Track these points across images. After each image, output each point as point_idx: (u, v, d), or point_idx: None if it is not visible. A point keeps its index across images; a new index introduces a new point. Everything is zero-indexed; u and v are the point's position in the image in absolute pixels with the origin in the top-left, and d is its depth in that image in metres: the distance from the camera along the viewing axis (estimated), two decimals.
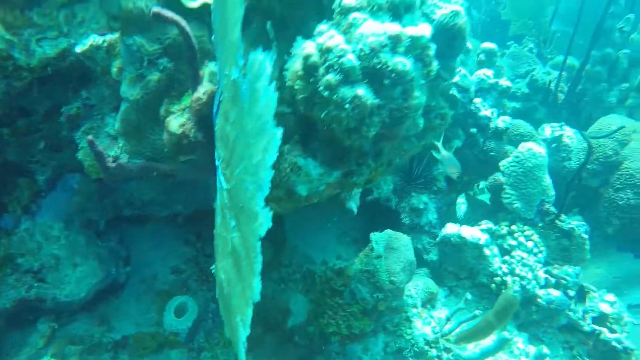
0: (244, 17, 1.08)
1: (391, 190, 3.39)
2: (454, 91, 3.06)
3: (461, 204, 3.68)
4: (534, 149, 2.99)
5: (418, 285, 2.97)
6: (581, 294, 3.18)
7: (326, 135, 1.43)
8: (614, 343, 2.90)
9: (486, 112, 3.16)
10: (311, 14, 1.53)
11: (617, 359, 2.95)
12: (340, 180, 1.64)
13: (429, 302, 3.03)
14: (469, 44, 3.28)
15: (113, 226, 2.28)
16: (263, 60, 0.99)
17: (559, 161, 4.11)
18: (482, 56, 3.48)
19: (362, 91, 1.21)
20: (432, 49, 1.34)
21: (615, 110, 4.41)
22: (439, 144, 2.85)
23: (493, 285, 3.00)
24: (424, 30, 1.28)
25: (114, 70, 1.39)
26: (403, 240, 2.61)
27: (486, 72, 3.24)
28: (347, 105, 1.21)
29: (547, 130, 4.26)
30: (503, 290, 2.70)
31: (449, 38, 1.58)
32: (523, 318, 3.07)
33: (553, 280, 3.27)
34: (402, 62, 1.22)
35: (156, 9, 1.21)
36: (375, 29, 1.21)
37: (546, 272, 3.32)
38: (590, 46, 4.15)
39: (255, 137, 1.03)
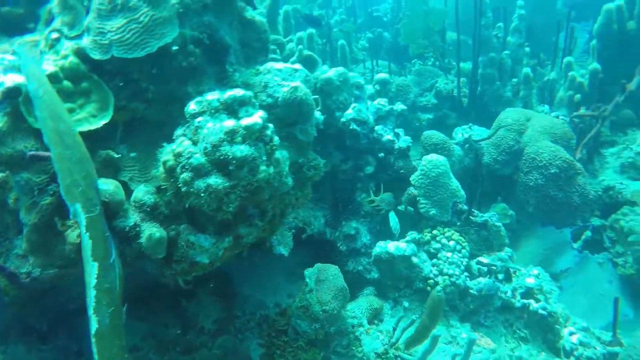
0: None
1: (323, 224, 3.68)
2: (353, 126, 3.41)
3: (394, 220, 4.02)
4: (434, 160, 3.35)
5: (361, 305, 3.23)
6: (508, 275, 3.50)
7: (204, 215, 1.71)
8: (540, 311, 3.22)
9: (388, 136, 3.51)
10: (177, 115, 1.84)
11: (546, 323, 3.26)
12: (235, 242, 1.92)
13: (375, 317, 3.29)
14: (360, 81, 3.66)
15: (60, 322, 2.44)
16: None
17: (473, 159, 4.52)
18: (377, 86, 3.87)
19: (212, 180, 1.50)
20: (269, 129, 1.65)
21: (513, 103, 4.90)
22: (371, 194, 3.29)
23: (428, 288, 3.28)
24: (256, 118, 1.59)
25: (11, 201, 1.63)
26: (331, 271, 2.89)
27: (381, 102, 3.61)
28: (202, 194, 1.50)
29: (459, 133, 4.69)
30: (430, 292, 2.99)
31: (295, 108, 1.90)
32: (462, 310, 3.36)
33: (485, 268, 3.60)
34: (240, 150, 1.52)
35: (32, 152, 1.48)
36: (213, 128, 1.51)
37: (477, 263, 3.66)
38: (474, 54, 4.63)
39: None
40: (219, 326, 3.35)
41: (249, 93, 1.65)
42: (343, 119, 3.44)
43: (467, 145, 4.54)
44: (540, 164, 4.09)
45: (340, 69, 3.51)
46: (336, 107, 3.50)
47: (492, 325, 3.39)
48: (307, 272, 2.97)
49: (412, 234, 3.40)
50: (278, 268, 3.81)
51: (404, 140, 3.52)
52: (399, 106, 3.63)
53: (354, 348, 2.99)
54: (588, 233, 4.13)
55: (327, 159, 3.66)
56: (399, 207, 3.83)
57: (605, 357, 3.14)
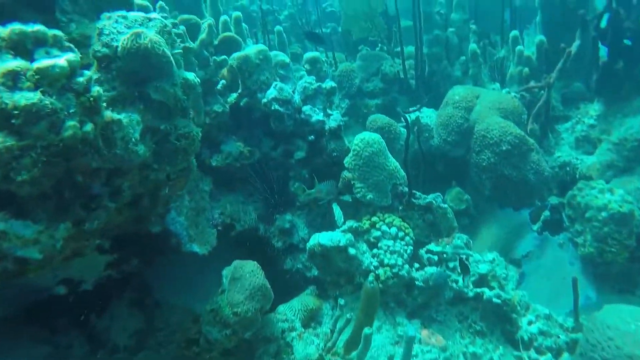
0: None
1: (255, 218, 3.26)
2: (275, 107, 3.01)
3: (338, 212, 3.61)
4: (366, 138, 2.96)
5: (294, 307, 2.80)
6: (463, 265, 3.11)
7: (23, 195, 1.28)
8: (494, 299, 2.83)
9: (317, 116, 3.12)
10: None
11: (503, 312, 2.87)
12: (76, 230, 1.48)
13: (312, 319, 2.87)
14: (284, 60, 3.27)
15: None
16: None
17: (424, 142, 4.16)
18: (306, 66, 3.49)
19: None
20: (83, 77, 1.24)
21: (463, 82, 4.56)
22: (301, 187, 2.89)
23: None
24: (59, 61, 1.17)
25: None
26: (248, 267, 2.46)
27: (307, 80, 3.22)
28: None
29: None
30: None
31: (141, 60, 1.49)
32: (410, 305, 2.96)
33: (435, 257, 3.20)
34: (25, 97, 1.11)
35: None
36: None
37: (427, 251, 3.26)
38: (416, 32, 4.29)
39: None
40: (137, 341, 2.89)
41: (54, 31, 1.24)
42: (264, 100, 3.04)
43: (416, 127, 4.18)
44: (491, 142, 3.74)
45: (260, 46, 3.12)
46: (257, 87, 3.11)
47: (445, 319, 2.99)
48: (224, 271, 2.54)
49: (349, 222, 3.00)
50: (209, 271, 3.36)
51: (333, 119, 3.13)
52: (329, 84, 3.24)
53: (284, 356, 2.56)
54: (547, 213, 3.78)
55: (256, 147, 3.27)
56: (343, 198, 3.43)
57: (567, 345, 2.76)
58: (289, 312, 2.76)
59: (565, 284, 3.61)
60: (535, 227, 3.78)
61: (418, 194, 3.04)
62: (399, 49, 4.89)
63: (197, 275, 3.23)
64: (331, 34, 7.13)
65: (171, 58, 1.54)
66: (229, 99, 3.20)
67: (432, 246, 3.32)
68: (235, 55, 3.06)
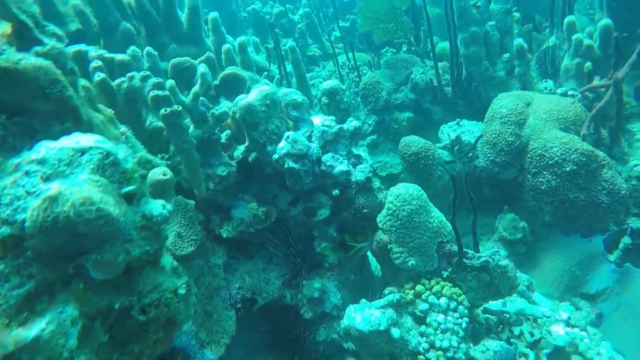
0: None
1: (279, 286, 2.77)
2: (289, 164, 2.46)
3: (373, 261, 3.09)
4: (402, 194, 2.37)
5: None
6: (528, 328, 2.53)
7: None
8: None
9: (341, 166, 2.55)
10: None
11: None
12: None
13: None
14: (296, 98, 2.70)
15: None
16: None
17: (467, 162, 3.51)
18: (324, 99, 2.90)
19: None
20: None
21: (508, 84, 3.83)
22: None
23: None
24: None
25: None
26: None
27: (326, 122, 2.64)
28: None
29: (445, 133, 3.67)
30: None
31: (66, 233, 0.98)
32: None
33: (494, 318, 2.63)
34: None
35: None
36: None
37: (484, 311, 2.69)
38: (449, 31, 3.57)
39: None
40: None
41: None
42: (275, 156, 2.50)
43: (456, 147, 3.52)
44: (550, 162, 3.06)
45: (265, 88, 2.55)
46: (266, 139, 2.56)
47: None
48: None
49: (390, 294, 2.45)
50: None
51: (360, 171, 2.54)
52: (352, 124, 2.64)
53: None
54: (627, 239, 3.08)
55: (272, 203, 2.75)
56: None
57: None
58: None
59: None
60: (612, 257, 3.09)
61: (470, 252, 2.44)
62: (429, 48, 4.17)
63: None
64: (350, 28, 6.42)
65: (113, 215, 1.02)
66: (235, 153, 2.68)
67: (490, 305, 2.74)
68: (238, 104, 2.51)
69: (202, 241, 2.48)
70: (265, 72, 3.70)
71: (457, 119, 3.63)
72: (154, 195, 1.81)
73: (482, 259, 2.42)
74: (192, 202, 2.50)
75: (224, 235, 2.59)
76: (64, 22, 3.15)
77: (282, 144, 2.50)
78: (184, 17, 3.38)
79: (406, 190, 2.37)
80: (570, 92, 3.59)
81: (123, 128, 1.73)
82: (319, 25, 6.11)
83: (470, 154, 3.49)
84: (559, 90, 3.63)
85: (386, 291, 2.53)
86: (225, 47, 3.23)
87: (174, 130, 2.17)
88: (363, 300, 2.52)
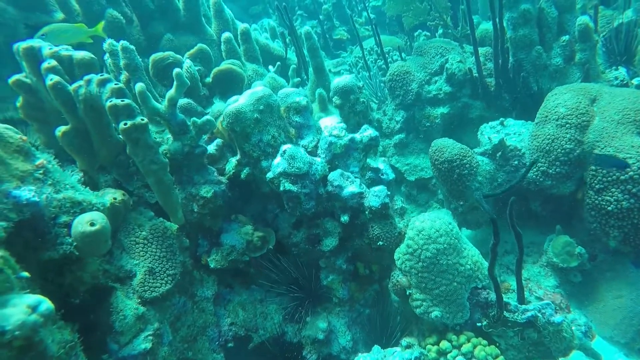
0: None
1: (278, 322, 2.31)
2: (286, 186, 1.95)
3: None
4: (427, 229, 1.80)
5: None
6: None
7: None
8: None
9: (351, 187, 2.00)
10: None
11: None
12: None
13: None
14: (298, 100, 2.16)
15: None
16: None
17: (511, 172, 2.85)
18: (336, 100, 2.33)
19: None
20: None
21: (567, 73, 3.07)
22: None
23: None
24: None
25: None
26: None
27: (334, 131, 2.08)
28: None
29: (486, 135, 3.00)
30: None
31: None
32: None
33: None
34: None
35: None
36: None
37: None
38: (494, 11, 2.86)
39: None
40: None
41: None
42: (270, 175, 1.99)
43: (499, 153, 2.86)
44: (623, 177, 2.36)
45: (258, 90, 2.03)
46: (261, 152, 2.05)
47: None
48: None
49: (407, 349, 1.93)
50: None
51: (375, 196, 1.98)
52: (366, 133, 2.08)
53: None
54: None
55: (273, 225, 2.27)
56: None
57: None
58: None
59: None
60: None
61: (513, 304, 1.85)
62: (468, 30, 3.44)
63: None
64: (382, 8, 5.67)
65: None
66: (227, 167, 2.19)
67: None
68: (227, 110, 2.01)
69: (183, 274, 2.04)
70: (279, 63, 3.14)
71: (501, 118, 2.95)
72: (82, 252, 1.35)
73: (529, 314, 1.83)
74: (175, 226, 2.05)
75: (212, 266, 2.14)
76: (48, 11, 2.74)
77: (277, 160, 1.98)
78: (181, 2, 2.87)
79: (432, 225, 1.80)
80: None
81: (42, 159, 1.27)
82: (347, 5, 5.42)
83: (517, 162, 2.82)
84: (635, 81, 2.86)
85: (403, 342, 2.00)
86: (225, 35, 2.70)
87: (138, 148, 1.70)
88: (376, 348, 2.01)
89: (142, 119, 1.70)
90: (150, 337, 1.73)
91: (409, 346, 1.96)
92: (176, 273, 1.96)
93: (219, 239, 2.18)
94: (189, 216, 2.10)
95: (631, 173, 2.33)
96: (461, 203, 2.90)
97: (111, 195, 1.74)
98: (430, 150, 2.82)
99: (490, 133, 2.96)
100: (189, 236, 2.16)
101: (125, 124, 1.65)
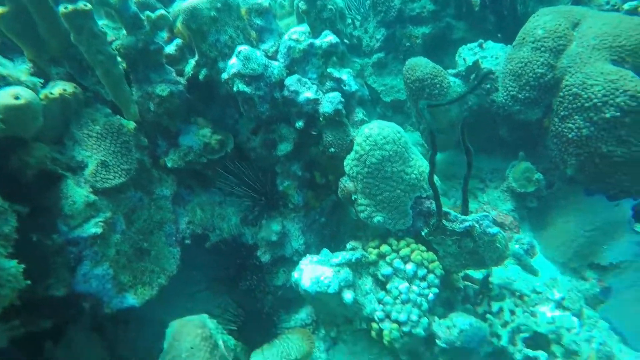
0: None
1: (236, 224, 2.41)
2: (240, 87, 1.92)
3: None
4: (374, 135, 1.81)
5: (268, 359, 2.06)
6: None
7: None
8: None
9: (307, 93, 1.98)
10: None
11: None
12: None
13: None
14: (260, 2, 2.06)
15: None
16: None
17: (483, 95, 2.80)
18: (301, 5, 2.21)
19: None
20: None
21: None
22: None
23: (373, 333, 2.00)
24: None
25: None
26: (188, 341, 1.69)
27: (293, 35, 2.01)
28: None
29: (463, 57, 2.91)
30: None
31: None
32: None
33: (474, 287, 2.20)
34: None
35: None
36: None
37: (465, 278, 2.25)
38: None
39: None
40: None
41: None
42: (224, 75, 1.95)
43: (472, 75, 2.79)
44: (587, 104, 2.33)
45: None
46: (218, 53, 2.00)
47: None
48: (167, 334, 1.80)
49: (350, 251, 2.03)
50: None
51: (328, 102, 1.97)
52: (327, 39, 2.01)
53: None
54: None
55: (231, 131, 2.29)
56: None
57: None
58: None
59: None
60: (639, 228, 2.48)
61: (453, 214, 1.92)
62: None
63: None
64: None
65: None
66: (186, 69, 2.15)
67: (474, 272, 2.28)
68: (182, 6, 1.92)
69: (140, 172, 2.09)
70: None
71: (481, 40, 2.84)
72: (10, 128, 1.37)
73: (467, 223, 1.90)
74: (132, 124, 2.05)
75: (169, 165, 2.18)
76: None
77: (232, 60, 1.93)
78: None
79: (379, 132, 1.80)
80: None
81: None
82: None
83: (489, 85, 2.76)
84: (626, 5, 2.71)
85: (349, 245, 2.10)
86: None
87: (82, 36, 1.65)
88: (324, 250, 2.13)
89: (85, 4, 1.62)
90: (101, 224, 1.81)
91: (353, 249, 2.07)
92: (131, 168, 2.00)
93: (177, 140, 2.20)
94: (146, 115, 2.09)
95: (595, 100, 2.29)
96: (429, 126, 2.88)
97: (61, 87, 1.72)
98: (404, 68, 2.75)
99: (467, 55, 2.86)
100: (148, 136, 2.18)
101: (65, 8, 1.59)
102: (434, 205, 1.97)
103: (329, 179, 2.36)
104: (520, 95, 2.60)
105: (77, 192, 1.76)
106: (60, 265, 1.69)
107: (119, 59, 1.83)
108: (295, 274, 2.04)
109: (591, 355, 1.98)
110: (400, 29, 3.24)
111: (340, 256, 1.99)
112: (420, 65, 2.67)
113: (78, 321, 2.29)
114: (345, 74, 2.23)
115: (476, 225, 1.92)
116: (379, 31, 3.29)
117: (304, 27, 2.19)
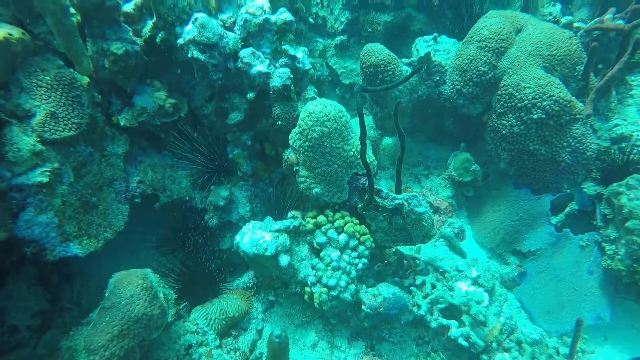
0: None
1: (186, 187, 2.48)
2: (195, 53, 1.98)
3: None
4: (316, 112, 1.93)
5: (209, 314, 2.18)
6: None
7: None
8: (460, 341, 2.06)
9: (260, 66, 2.07)
10: None
11: (471, 353, 2.12)
12: None
13: (233, 327, 2.26)
14: None
15: None
16: None
17: (432, 86, 2.98)
18: None
19: None
20: None
21: (510, 0, 3.09)
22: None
23: (306, 296, 2.16)
24: None
25: None
26: (128, 289, 1.79)
27: (250, 10, 2.08)
28: None
29: (416, 48, 3.06)
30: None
31: None
32: (355, 324, 2.26)
33: (404, 261, 2.39)
34: None
35: None
36: None
37: (395, 252, 2.44)
38: None
39: None
40: (42, 321, 2.44)
41: None
42: (180, 40, 2.00)
43: (424, 67, 2.95)
44: (520, 104, 2.55)
45: None
46: (176, 17, 2.04)
47: (401, 341, 2.29)
48: (109, 283, 1.88)
49: (289, 219, 2.17)
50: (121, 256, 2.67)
51: (278, 76, 2.06)
52: (282, 16, 2.09)
53: None
54: (574, 205, 2.72)
55: (187, 96, 2.34)
56: None
57: None
58: (202, 320, 2.15)
59: (576, 297, 2.75)
60: (554, 220, 2.76)
61: (385, 192, 2.09)
62: None
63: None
64: None
65: None
66: (144, 30, 2.17)
67: (403, 247, 2.48)
68: None
69: (92, 128, 2.11)
70: None
71: (436, 34, 3.00)
72: None
73: (397, 201, 2.07)
74: (86, 79, 2.07)
75: (122, 124, 2.21)
76: None
77: (188, 27, 1.98)
78: None
79: (322, 109, 1.93)
80: (576, 24, 2.91)
81: None
82: None
83: (438, 78, 2.94)
84: (564, 19, 2.94)
85: (289, 214, 2.23)
86: None
87: None
88: (268, 218, 2.25)
89: None
90: (48, 173, 1.85)
91: (293, 217, 2.20)
92: (82, 123, 2.03)
93: (131, 100, 2.23)
94: (100, 72, 2.11)
95: (526, 102, 2.51)
96: (379, 109, 3.04)
97: (6, 30, 1.71)
98: (361, 52, 2.87)
99: (422, 47, 3.02)
100: (102, 93, 2.20)
101: None
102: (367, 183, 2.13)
103: (278, 151, 2.47)
104: (464, 90, 2.78)
105: (23, 140, 1.78)
106: (1, 209, 1.73)
107: (72, 10, 1.83)
108: (237, 237, 2.15)
109: (496, 326, 2.23)
110: (364, 15, 3.35)
111: (280, 223, 2.12)
112: (376, 51, 2.81)
113: (22, 272, 2.33)
114: (300, 52, 2.32)
115: (405, 203, 2.09)
116: (344, 14, 3.39)
117: (263, 2, 2.26)
